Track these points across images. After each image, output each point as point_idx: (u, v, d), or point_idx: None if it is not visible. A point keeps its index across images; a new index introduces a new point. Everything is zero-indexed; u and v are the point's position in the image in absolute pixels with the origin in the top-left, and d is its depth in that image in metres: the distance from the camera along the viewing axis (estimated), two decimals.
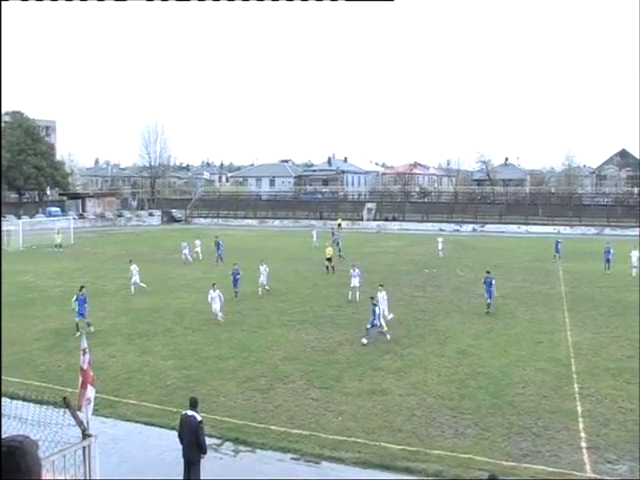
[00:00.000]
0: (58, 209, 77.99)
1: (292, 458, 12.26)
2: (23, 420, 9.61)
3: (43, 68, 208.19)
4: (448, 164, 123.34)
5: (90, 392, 8.90)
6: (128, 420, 14.16)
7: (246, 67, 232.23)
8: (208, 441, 11.08)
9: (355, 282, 27.65)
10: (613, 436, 12.97)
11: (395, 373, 17.38)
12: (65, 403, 7.24)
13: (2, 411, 10.79)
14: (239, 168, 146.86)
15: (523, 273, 36.68)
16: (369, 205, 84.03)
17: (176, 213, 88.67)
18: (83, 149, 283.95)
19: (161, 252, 47.65)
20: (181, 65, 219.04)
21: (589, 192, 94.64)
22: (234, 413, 14.39)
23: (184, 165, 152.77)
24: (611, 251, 37.01)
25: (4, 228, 54.69)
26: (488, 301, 25.17)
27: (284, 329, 22.59)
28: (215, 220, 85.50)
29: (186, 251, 41.48)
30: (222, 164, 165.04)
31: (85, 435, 7.15)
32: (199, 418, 10.59)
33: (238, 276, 28.30)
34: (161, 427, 13.59)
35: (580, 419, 13.95)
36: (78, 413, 7.59)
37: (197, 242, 43.87)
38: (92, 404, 8.92)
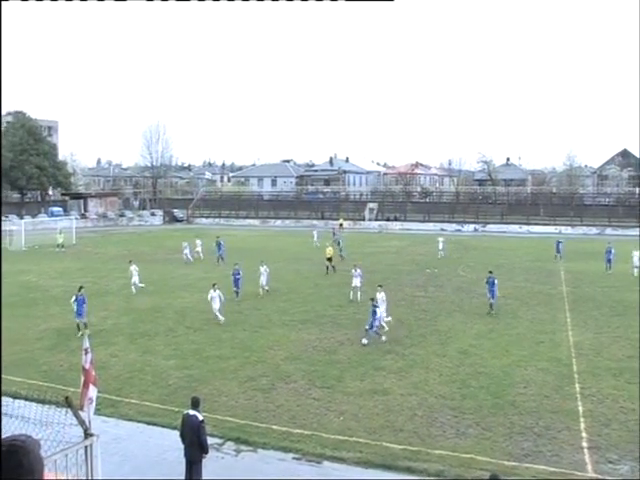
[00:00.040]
0: (60, 209, 78.06)
1: (294, 458, 12.28)
2: (25, 419, 9.66)
3: (45, 68, 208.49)
4: (450, 164, 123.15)
5: (92, 391, 8.91)
6: (130, 420, 14.19)
7: (248, 67, 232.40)
8: (210, 441, 11.10)
9: (356, 282, 27.66)
10: (614, 436, 12.97)
11: (397, 373, 17.39)
12: (67, 402, 7.26)
13: (5, 410, 10.83)
14: (241, 168, 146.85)
15: (524, 273, 36.67)
16: (371, 205, 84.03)
17: (178, 213, 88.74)
18: (85, 149, 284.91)
19: (163, 252, 47.70)
20: (183, 65, 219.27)
21: (590, 192, 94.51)
22: (236, 413, 14.41)
23: (186, 165, 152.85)
24: (612, 251, 37.00)
25: (7, 228, 54.84)
26: (491, 301, 25.10)
27: (286, 329, 22.61)
28: (217, 220, 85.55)
29: (187, 251, 41.53)
30: (224, 164, 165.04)
31: (87, 434, 7.17)
32: (201, 418, 10.60)
33: (238, 276, 28.31)
34: (163, 427, 13.61)
35: (581, 419, 13.96)
36: (80, 412, 7.61)
37: (198, 242, 43.89)
38: (94, 403, 8.92)
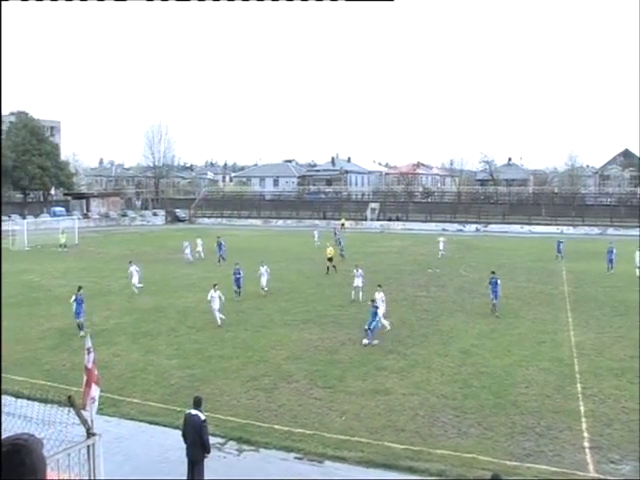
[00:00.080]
0: (63, 209, 78.18)
1: (295, 457, 12.31)
2: (28, 418, 9.69)
3: (48, 69, 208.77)
4: (451, 164, 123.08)
5: (94, 391, 8.94)
6: (132, 419, 14.23)
7: (249, 67, 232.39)
8: (212, 440, 11.13)
9: (358, 282, 27.66)
10: (616, 436, 12.97)
11: (398, 373, 17.41)
12: (70, 402, 7.29)
13: (8, 409, 10.87)
14: (243, 168, 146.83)
15: (526, 273, 36.65)
16: (372, 205, 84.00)
17: (180, 213, 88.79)
18: (87, 149, 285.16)
19: (165, 252, 47.74)
20: (185, 65, 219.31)
21: (592, 192, 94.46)
22: (238, 412, 14.44)
23: (188, 165, 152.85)
24: (614, 251, 36.94)
25: (9, 228, 54.97)
26: (494, 302, 24.99)
27: (287, 329, 22.63)
28: (219, 220, 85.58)
29: (188, 250, 41.59)
30: (226, 164, 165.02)
31: (89, 434, 7.20)
32: (203, 417, 10.63)
33: (239, 275, 28.33)
34: (165, 426, 13.65)
35: (583, 419, 13.96)
36: (82, 412, 7.64)
37: (198, 241, 43.89)
38: (96, 403, 8.95)
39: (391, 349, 19.79)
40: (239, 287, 28.23)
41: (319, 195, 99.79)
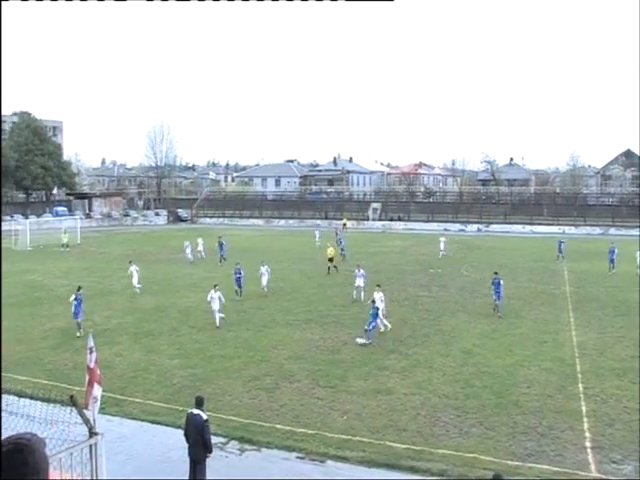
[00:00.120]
0: (65, 209, 78.32)
1: (297, 457, 12.32)
2: (31, 418, 9.70)
3: (50, 69, 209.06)
4: (453, 164, 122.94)
5: (97, 390, 8.98)
6: (134, 418, 14.25)
7: (251, 67, 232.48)
8: (214, 440, 11.14)
9: (360, 282, 27.67)
10: (618, 436, 12.97)
11: (400, 372, 17.42)
12: (72, 401, 7.31)
13: (10, 409, 10.89)
14: (245, 168, 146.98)
15: (528, 273, 36.63)
16: (374, 205, 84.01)
17: (182, 213, 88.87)
18: (90, 149, 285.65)
19: (167, 252, 47.79)
20: (187, 65, 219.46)
21: (594, 192, 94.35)
22: (240, 412, 14.46)
23: (190, 165, 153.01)
24: (615, 251, 36.91)
25: (12, 228, 55.08)
26: (496, 302, 24.90)
27: (289, 328, 22.64)
28: (221, 220, 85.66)
29: (189, 250, 41.64)
30: (228, 164, 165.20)
31: (91, 433, 7.22)
32: (205, 417, 10.65)
33: (240, 275, 28.35)
34: (167, 426, 13.67)
35: (585, 419, 13.96)
36: (85, 411, 7.67)
37: (199, 241, 43.89)
38: (98, 402, 8.99)
39: (393, 349, 19.80)
40: (240, 287, 28.25)
41: (321, 195, 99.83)
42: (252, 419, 14.01)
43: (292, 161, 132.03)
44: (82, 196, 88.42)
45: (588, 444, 12.65)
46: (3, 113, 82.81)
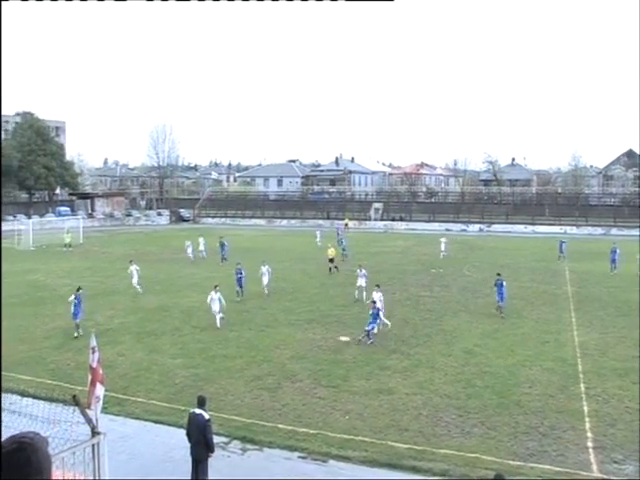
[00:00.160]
0: (68, 209, 78.45)
1: (299, 457, 12.33)
2: (33, 417, 9.75)
3: (53, 69, 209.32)
4: (455, 164, 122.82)
5: (99, 390, 8.99)
6: (137, 418, 14.27)
7: (253, 68, 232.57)
8: (216, 439, 11.18)
9: (361, 282, 27.67)
10: (620, 436, 12.97)
11: (402, 372, 17.42)
12: (75, 401, 7.35)
13: (13, 408, 10.94)
14: (247, 168, 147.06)
15: (530, 273, 36.61)
16: (376, 205, 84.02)
17: (184, 213, 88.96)
18: (92, 149, 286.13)
19: (169, 252, 47.84)
20: (189, 66, 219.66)
21: (596, 192, 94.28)
22: (242, 411, 14.47)
23: (192, 165, 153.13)
24: (617, 251, 36.90)
25: (15, 227, 55.23)
26: (500, 303, 24.87)
27: (291, 328, 22.66)
28: (223, 220, 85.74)
29: (190, 250, 41.63)
30: (230, 164, 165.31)
31: (94, 433, 7.26)
32: (207, 416, 10.67)
33: (241, 275, 28.36)
34: (169, 425, 13.68)
35: (586, 419, 13.96)
36: (87, 411, 7.69)
37: (201, 240, 43.90)
38: (101, 402, 9.01)
39: (395, 349, 19.81)
40: (241, 287, 28.27)
41: (323, 195, 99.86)
42: (254, 419, 14.03)
43: (294, 161, 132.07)
44: (85, 196, 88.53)
45: (590, 444, 12.65)
46: (6, 113, 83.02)
